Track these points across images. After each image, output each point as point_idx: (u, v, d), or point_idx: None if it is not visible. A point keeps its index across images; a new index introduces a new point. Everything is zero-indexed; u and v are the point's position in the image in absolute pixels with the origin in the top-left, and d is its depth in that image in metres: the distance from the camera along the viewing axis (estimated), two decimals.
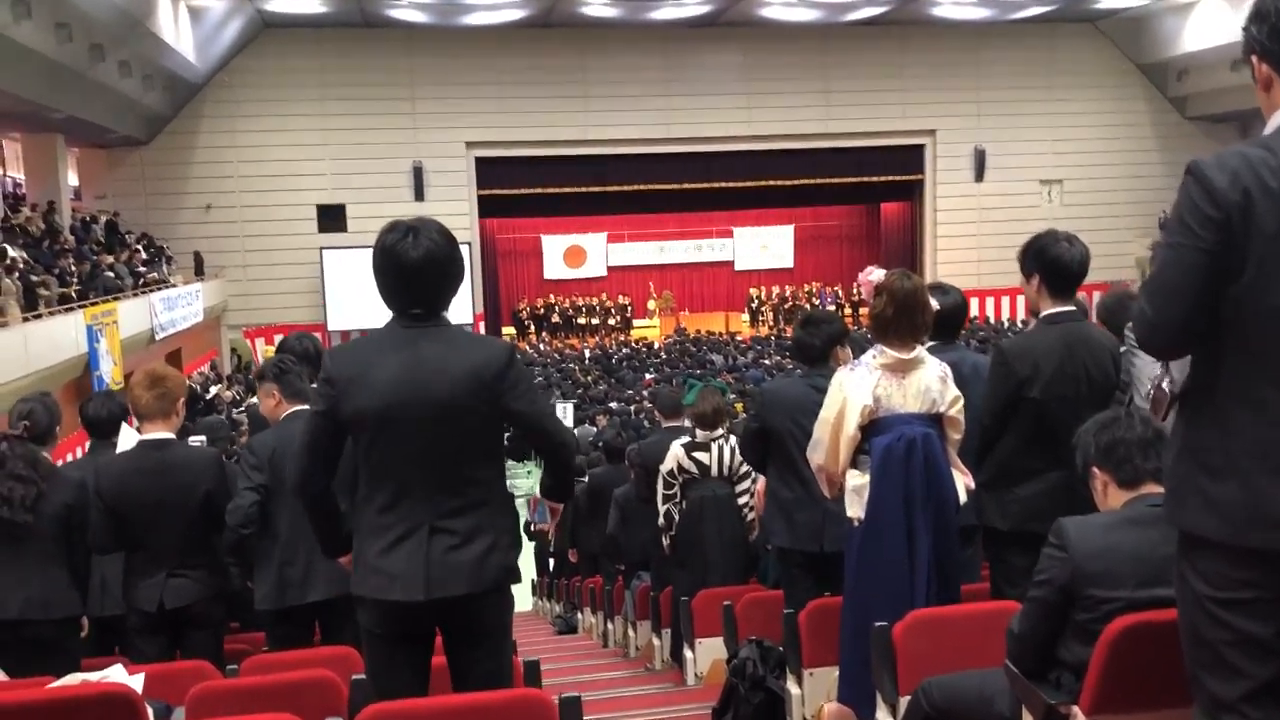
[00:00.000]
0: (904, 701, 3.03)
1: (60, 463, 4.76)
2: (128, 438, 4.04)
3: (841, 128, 27.77)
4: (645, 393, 19.05)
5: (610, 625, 7.47)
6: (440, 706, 2.15)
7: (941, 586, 3.32)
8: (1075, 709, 2.23)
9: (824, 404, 3.45)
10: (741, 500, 5.48)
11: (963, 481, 3.42)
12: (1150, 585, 2.21)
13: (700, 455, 5.47)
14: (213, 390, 20.98)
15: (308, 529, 3.71)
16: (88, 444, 4.64)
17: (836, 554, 3.80)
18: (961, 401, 3.41)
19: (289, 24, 24.61)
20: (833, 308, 30.73)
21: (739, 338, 27.40)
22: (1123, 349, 3.84)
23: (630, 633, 6.87)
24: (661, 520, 5.64)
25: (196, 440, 4.55)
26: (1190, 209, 1.80)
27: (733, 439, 5.54)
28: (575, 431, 16.14)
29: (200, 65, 22.94)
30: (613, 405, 17.87)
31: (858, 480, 3.41)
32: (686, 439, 5.56)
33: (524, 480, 16.51)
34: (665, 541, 5.65)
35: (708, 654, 5.16)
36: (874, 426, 3.37)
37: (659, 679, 5.71)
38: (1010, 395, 3.50)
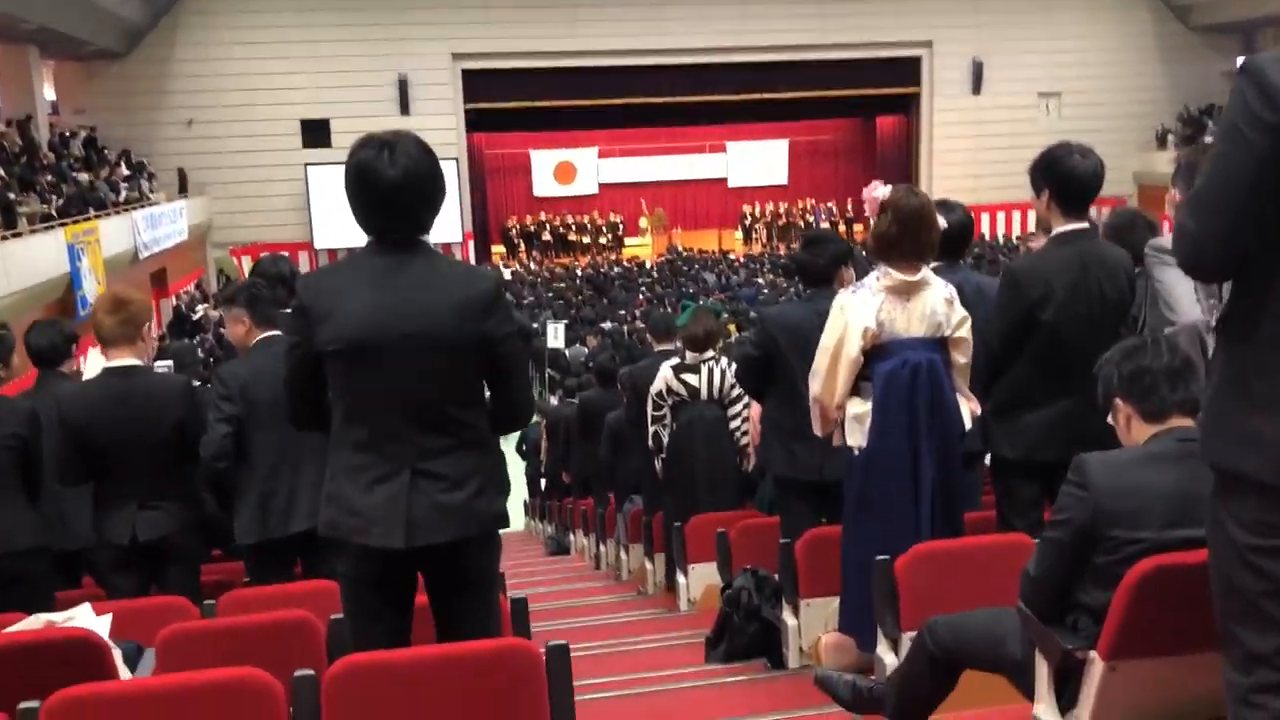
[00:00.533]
0: (906, 637, 2.92)
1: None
2: (94, 364, 3.87)
3: (837, 39, 27.15)
4: (637, 313, 18.89)
5: (602, 548, 7.41)
6: (419, 658, 2.02)
7: (946, 519, 3.19)
8: (1093, 654, 2.10)
9: (825, 329, 3.28)
10: (734, 424, 5.36)
11: (968, 408, 3.27)
12: (1177, 526, 2.07)
13: (689, 377, 5.32)
14: (199, 310, 20.73)
15: (288, 457, 3.60)
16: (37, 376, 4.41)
17: (835, 482, 3.67)
18: (969, 323, 3.24)
19: None
20: (827, 225, 30.45)
21: (732, 256, 27.14)
22: (1137, 270, 3.68)
23: (622, 556, 6.80)
24: (650, 442, 5.52)
25: (163, 366, 4.35)
26: (1241, 111, 1.61)
27: (724, 361, 5.40)
28: (568, 353, 16.03)
29: None
30: (604, 326, 17.71)
31: (859, 408, 3.26)
32: (676, 360, 5.41)
33: None
34: (657, 464, 5.54)
35: (701, 579, 5.07)
36: (877, 352, 3.21)
37: (652, 604, 5.64)
38: (1021, 318, 3.33)
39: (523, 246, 29.29)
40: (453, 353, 2.32)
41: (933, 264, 3.76)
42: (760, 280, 22.34)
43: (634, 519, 6.56)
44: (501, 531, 2.51)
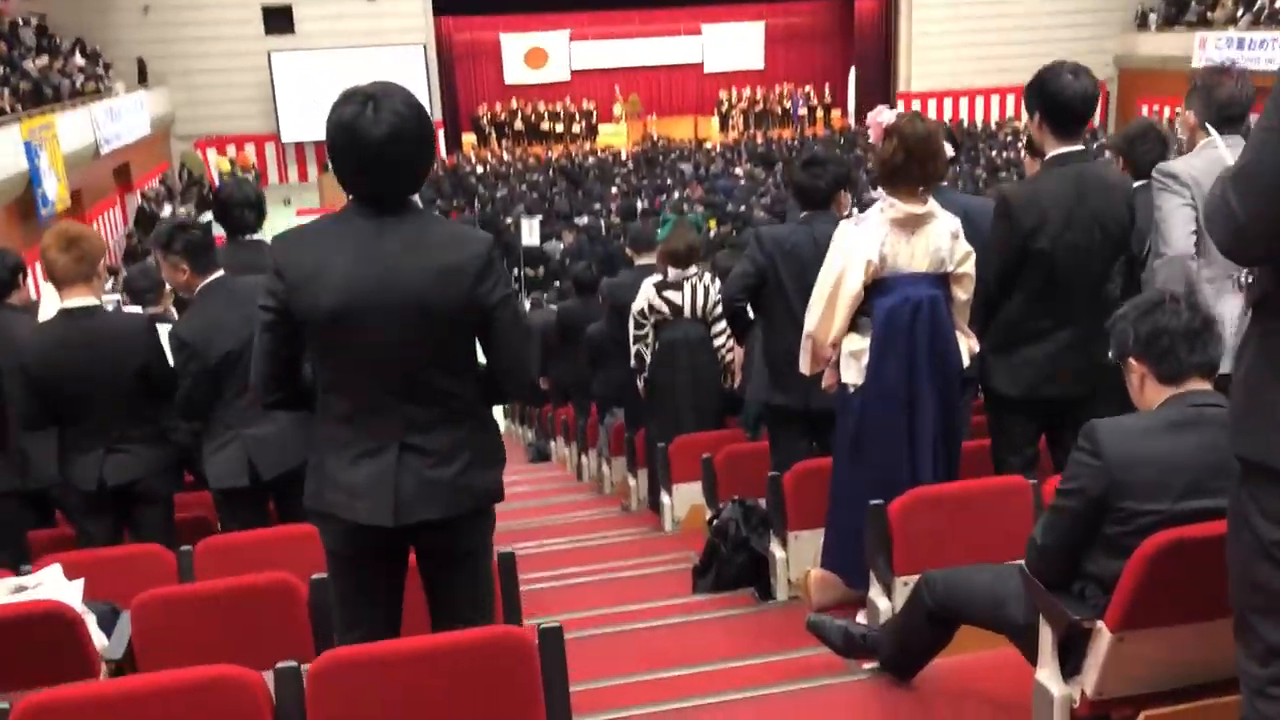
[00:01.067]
0: (899, 582, 2.88)
1: None
2: (49, 303, 3.69)
3: None
4: (613, 206, 18.62)
5: (584, 459, 7.37)
6: (407, 650, 1.93)
7: (945, 462, 3.12)
8: (1100, 624, 2.05)
9: (825, 262, 3.15)
10: (717, 342, 5.25)
11: (966, 345, 3.17)
12: (1192, 496, 1.99)
13: (672, 294, 5.19)
14: (166, 209, 20.26)
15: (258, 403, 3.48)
16: None
17: (823, 410, 3.58)
18: (973, 258, 3.12)
19: None
20: (804, 111, 30.00)
21: (708, 144, 26.70)
22: (1137, 185, 3.54)
23: (604, 469, 6.76)
24: (633, 361, 5.42)
25: (111, 300, 4.16)
26: None
27: (707, 277, 5.27)
28: (545, 248, 15.81)
29: None
30: (579, 221, 17.45)
31: (856, 344, 3.15)
32: (658, 278, 5.27)
33: None
34: (639, 384, 5.45)
35: (685, 500, 5.04)
36: (876, 287, 3.08)
37: (636, 521, 5.62)
38: (1016, 248, 3.20)
39: (494, 136, 28.70)
40: (440, 320, 2.17)
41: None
42: (738, 171, 22.00)
43: (616, 433, 6.50)
44: None
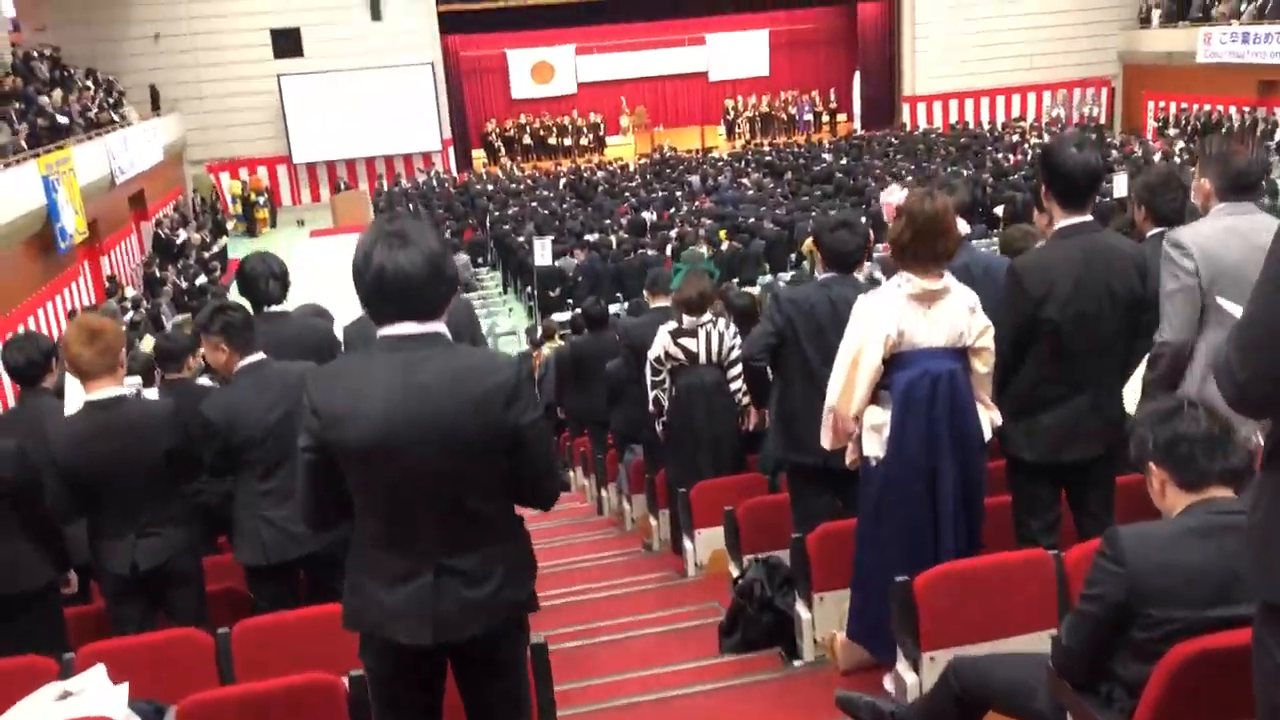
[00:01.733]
0: (926, 657, 2.93)
1: None
2: (74, 397, 3.74)
3: None
4: (623, 221, 18.66)
5: (604, 493, 7.44)
6: None
7: (967, 535, 3.17)
8: None
9: (844, 337, 3.21)
10: (733, 386, 5.32)
11: (988, 417, 3.22)
12: (1216, 604, 2.04)
13: (687, 342, 5.27)
14: (181, 235, 20.41)
15: (290, 477, 3.54)
16: (18, 393, 4.25)
17: (844, 467, 3.64)
18: (991, 331, 3.17)
19: None
20: (810, 117, 30.02)
21: (715, 154, 26.74)
22: (1152, 233, 3.55)
23: (625, 506, 6.83)
24: (651, 406, 5.49)
25: (131, 383, 4.20)
26: None
27: (721, 323, 5.34)
28: (558, 265, 15.86)
29: None
30: (590, 238, 17.49)
31: (877, 418, 3.21)
32: (673, 325, 5.34)
33: (505, 319, 16.31)
34: (659, 428, 5.52)
35: (707, 544, 5.10)
36: (895, 360, 3.15)
37: (659, 564, 5.68)
38: (1027, 317, 3.25)
39: (503, 150, 28.80)
40: (473, 447, 2.24)
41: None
42: (745, 181, 22.02)
43: (636, 470, 6.57)
44: None
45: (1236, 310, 2.37)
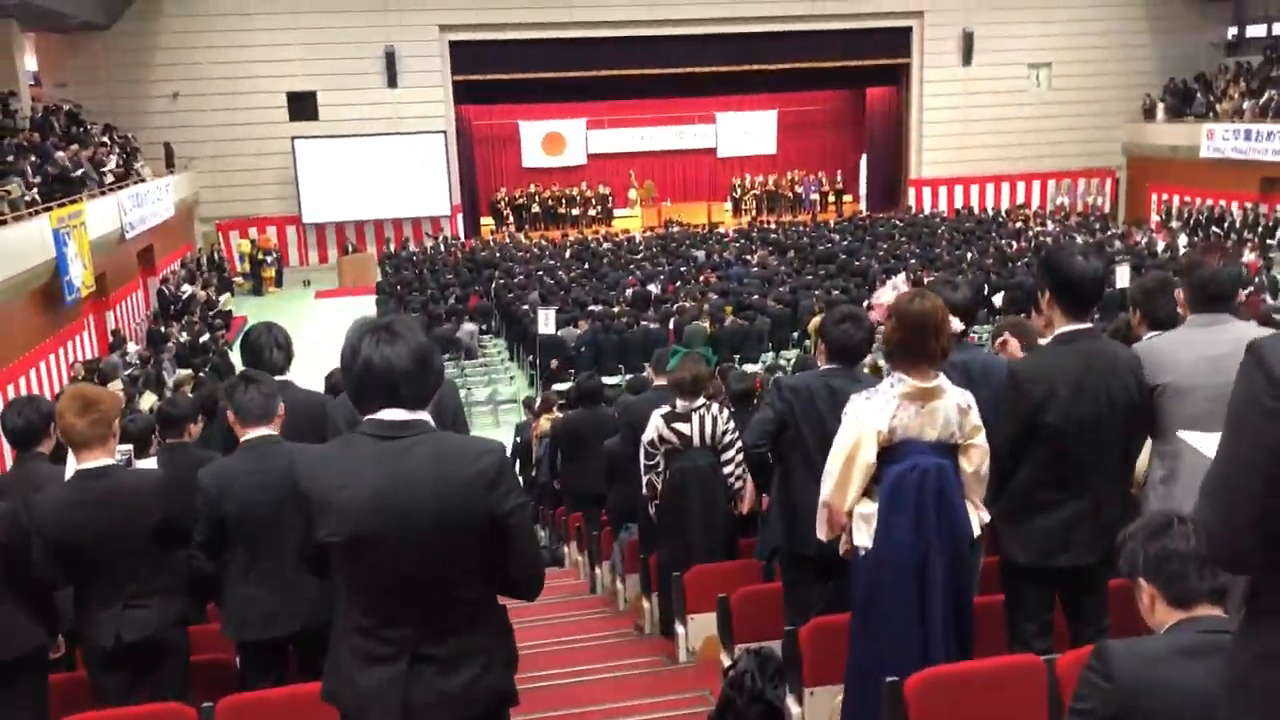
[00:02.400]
0: None
1: None
2: (71, 463, 3.74)
3: (827, 9, 26.97)
4: (628, 293, 18.79)
5: (598, 570, 7.42)
6: None
7: (956, 633, 3.18)
8: None
9: (839, 433, 3.25)
10: (727, 470, 5.35)
11: (976, 516, 3.25)
12: None
13: (680, 426, 5.30)
14: (186, 290, 20.55)
15: (274, 559, 3.54)
16: (14, 456, 4.22)
17: (839, 558, 3.65)
18: (982, 433, 3.22)
19: None
20: (816, 197, 30.36)
21: (721, 229, 27.01)
22: (1150, 335, 3.61)
23: (619, 585, 6.81)
24: (644, 490, 5.51)
25: (122, 451, 4.20)
26: (1248, 397, 1.52)
27: (715, 407, 5.38)
28: (560, 334, 15.93)
29: None
30: (594, 308, 17.60)
31: (866, 508, 3.24)
32: (666, 409, 5.38)
33: (506, 387, 16.34)
34: (650, 511, 5.53)
35: (700, 630, 5.09)
36: (887, 454, 3.19)
37: (650, 647, 5.65)
38: (1026, 420, 3.30)
39: (511, 218, 29.09)
40: (455, 534, 2.27)
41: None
42: (750, 258, 22.20)
43: (630, 549, 6.56)
44: None
45: (1195, 441, 2.43)
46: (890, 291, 3.36)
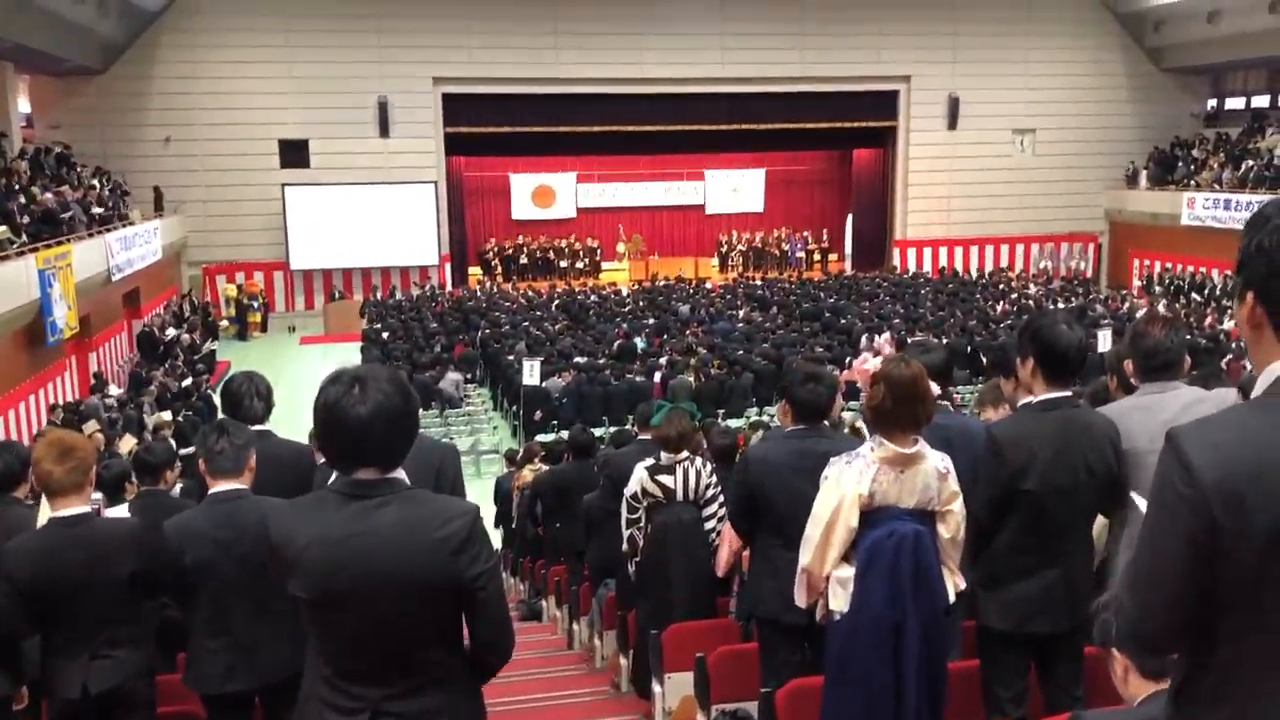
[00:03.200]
0: None
1: None
2: (41, 512, 3.70)
3: (816, 72, 27.40)
4: (615, 345, 18.84)
5: (576, 626, 7.36)
6: None
7: (930, 701, 3.17)
8: None
9: (818, 498, 3.26)
10: (709, 525, 5.33)
11: (952, 582, 3.26)
12: None
13: (664, 479, 5.28)
14: (170, 333, 20.50)
15: (240, 612, 3.51)
16: None
17: (816, 624, 3.65)
18: (959, 499, 3.23)
19: None
20: (802, 254, 30.61)
21: (708, 284, 27.18)
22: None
23: (596, 641, 6.75)
24: (625, 545, 5.48)
25: (94, 499, 4.16)
26: (1165, 483, 1.55)
27: (699, 461, 5.37)
28: (544, 385, 15.93)
29: None
30: (579, 360, 17.64)
31: (843, 572, 3.25)
32: (651, 461, 5.37)
33: (488, 436, 16.31)
34: (630, 567, 5.50)
35: (677, 690, 5.03)
36: (866, 519, 3.20)
37: (626, 706, 5.60)
38: (1004, 486, 3.32)
39: (499, 269, 29.20)
40: (423, 595, 2.26)
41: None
42: (736, 313, 22.32)
43: (609, 605, 6.51)
44: None
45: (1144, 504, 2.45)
46: (873, 359, 3.39)
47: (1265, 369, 1.60)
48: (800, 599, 3.35)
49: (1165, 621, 1.58)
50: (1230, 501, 1.48)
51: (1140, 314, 20.56)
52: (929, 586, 3.18)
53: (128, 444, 12.25)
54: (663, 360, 17.44)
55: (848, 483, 3.19)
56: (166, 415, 14.95)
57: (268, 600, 3.41)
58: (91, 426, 12.63)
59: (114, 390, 16.79)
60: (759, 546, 4.17)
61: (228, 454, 3.56)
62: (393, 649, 2.28)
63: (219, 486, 3.57)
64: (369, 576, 2.23)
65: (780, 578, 3.92)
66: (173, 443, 9.83)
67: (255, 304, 24.79)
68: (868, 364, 3.99)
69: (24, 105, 22.48)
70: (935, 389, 3.32)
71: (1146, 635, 1.64)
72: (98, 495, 4.35)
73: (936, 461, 3.23)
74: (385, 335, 20.38)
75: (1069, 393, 3.41)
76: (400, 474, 2.33)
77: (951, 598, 3.25)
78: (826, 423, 4.21)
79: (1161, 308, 21.60)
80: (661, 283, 26.56)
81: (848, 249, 31.45)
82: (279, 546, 2.30)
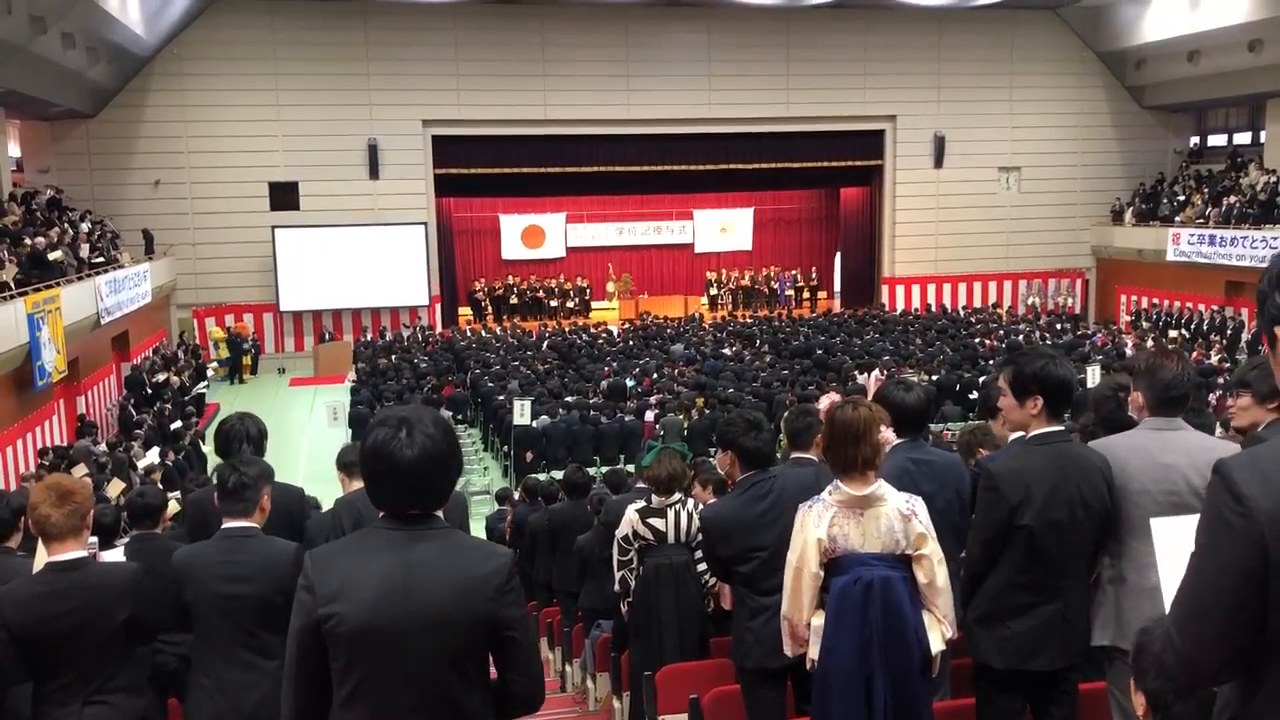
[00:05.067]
0: None
1: None
2: (38, 557, 3.69)
3: (803, 112, 27.67)
4: (604, 384, 18.84)
5: (569, 667, 7.32)
6: None
7: None
8: None
9: (791, 546, 3.27)
10: (701, 566, 5.32)
11: (938, 630, 3.23)
12: None
13: (655, 521, 5.28)
14: (159, 376, 20.43)
15: (228, 651, 3.49)
16: None
17: (794, 668, 3.69)
18: (929, 542, 3.21)
19: None
20: (791, 292, 30.71)
21: (699, 316, 27.27)
22: None
23: (589, 684, 6.71)
24: (617, 587, 5.47)
25: (90, 544, 4.15)
26: (1216, 515, 1.56)
27: (690, 504, 5.37)
28: (535, 424, 15.90)
29: (148, 38, 22.26)
30: (569, 399, 17.63)
31: (819, 621, 3.25)
32: (641, 504, 5.37)
33: (479, 477, 16.26)
34: (623, 608, 5.48)
35: None
36: (833, 566, 3.20)
37: None
38: (1001, 522, 3.32)
39: (489, 309, 29.24)
40: (458, 633, 2.27)
41: (897, 441, 3.79)
42: (727, 351, 22.35)
43: (602, 647, 6.48)
44: None
45: (1165, 528, 2.45)
46: (825, 398, 3.43)
47: None
48: (788, 648, 3.35)
49: (1217, 654, 1.58)
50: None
51: (1132, 350, 20.68)
52: (901, 637, 3.15)
53: (116, 488, 12.18)
54: (652, 399, 17.43)
55: (809, 527, 3.20)
56: (156, 458, 14.88)
57: (268, 644, 3.42)
58: (80, 471, 12.56)
59: (101, 447, 16.63)
60: (737, 597, 4.16)
61: (240, 492, 3.59)
62: (430, 691, 2.28)
63: (231, 524, 3.59)
64: (412, 606, 2.24)
65: (754, 628, 3.96)
66: (160, 486, 9.80)
67: (246, 345, 24.75)
68: (822, 403, 3.98)
69: (14, 149, 22.53)
70: (890, 435, 3.31)
71: (1198, 668, 1.63)
72: (93, 539, 4.33)
73: (899, 503, 3.22)
74: (374, 376, 20.34)
75: (1061, 427, 3.43)
76: (440, 515, 2.35)
77: (937, 647, 3.21)
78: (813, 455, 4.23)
79: (1150, 343, 21.72)
80: (649, 319, 26.58)
81: (836, 286, 31.60)
82: (317, 584, 2.29)
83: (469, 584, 2.27)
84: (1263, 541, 1.50)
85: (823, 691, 3.19)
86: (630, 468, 7.63)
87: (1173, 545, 1.72)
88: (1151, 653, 1.72)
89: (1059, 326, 25.13)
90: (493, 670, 2.44)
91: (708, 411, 16.55)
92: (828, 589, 3.20)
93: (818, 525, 3.17)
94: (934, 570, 3.22)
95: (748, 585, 3.95)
